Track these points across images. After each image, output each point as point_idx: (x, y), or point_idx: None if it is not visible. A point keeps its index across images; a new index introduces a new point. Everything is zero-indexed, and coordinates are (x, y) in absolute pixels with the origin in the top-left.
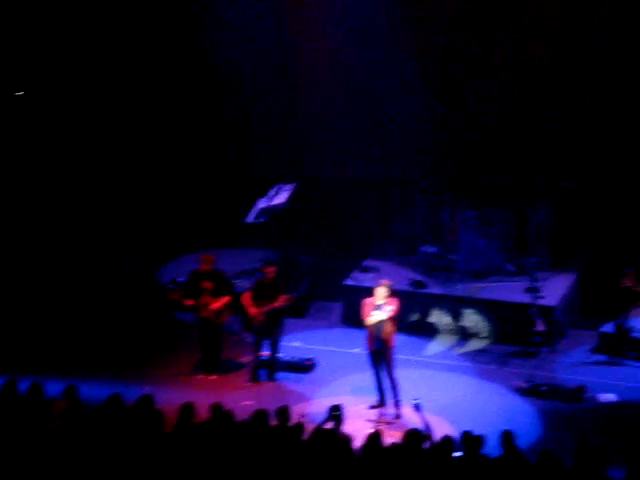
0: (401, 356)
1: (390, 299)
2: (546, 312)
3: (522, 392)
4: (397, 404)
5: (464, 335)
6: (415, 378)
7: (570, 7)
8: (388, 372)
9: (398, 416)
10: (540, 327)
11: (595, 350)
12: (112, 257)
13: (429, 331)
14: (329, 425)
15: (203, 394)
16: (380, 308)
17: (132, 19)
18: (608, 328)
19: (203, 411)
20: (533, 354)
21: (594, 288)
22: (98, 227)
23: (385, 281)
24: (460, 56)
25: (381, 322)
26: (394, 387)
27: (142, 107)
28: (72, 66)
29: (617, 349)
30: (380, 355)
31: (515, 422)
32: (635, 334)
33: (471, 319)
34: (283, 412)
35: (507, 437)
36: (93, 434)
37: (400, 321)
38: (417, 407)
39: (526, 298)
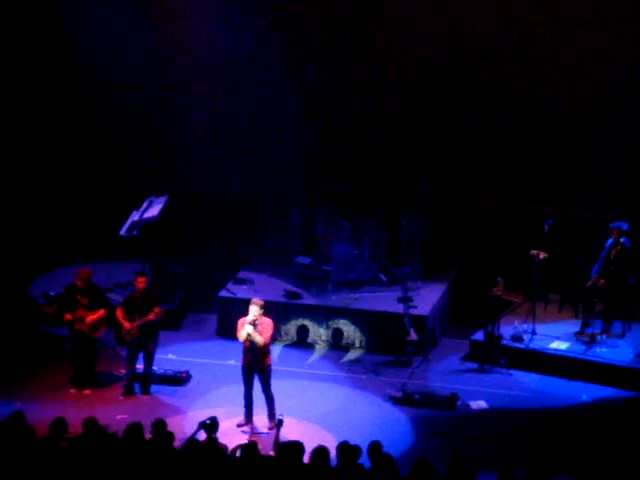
0: (276, 367)
1: (264, 318)
2: (419, 321)
3: (396, 401)
4: (271, 417)
5: (338, 345)
6: (290, 388)
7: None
8: (263, 388)
9: (271, 428)
10: (413, 336)
11: (466, 358)
12: None
13: (304, 342)
14: (203, 436)
15: (76, 409)
16: (254, 326)
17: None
18: (479, 336)
19: (77, 426)
20: (406, 363)
21: (465, 297)
22: None
23: (257, 299)
24: (330, 73)
25: (254, 339)
26: (270, 402)
27: (13, 117)
28: None
29: (487, 357)
30: (253, 371)
31: (389, 431)
32: (504, 342)
33: (345, 329)
34: (158, 425)
35: (374, 448)
36: None
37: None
38: (279, 422)
39: (399, 308)
